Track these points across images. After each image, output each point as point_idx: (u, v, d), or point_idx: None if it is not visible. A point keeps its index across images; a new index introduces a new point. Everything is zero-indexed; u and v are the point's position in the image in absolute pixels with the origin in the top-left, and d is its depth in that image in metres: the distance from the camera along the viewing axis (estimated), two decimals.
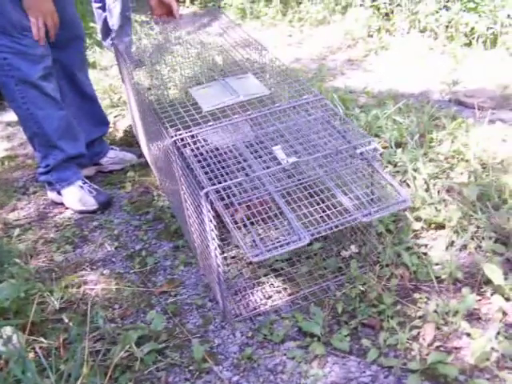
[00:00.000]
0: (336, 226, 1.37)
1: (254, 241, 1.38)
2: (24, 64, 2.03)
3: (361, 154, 1.51)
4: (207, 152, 1.57)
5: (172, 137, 1.55)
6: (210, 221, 1.37)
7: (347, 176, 1.55)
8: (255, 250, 1.28)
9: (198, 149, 1.56)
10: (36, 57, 2.05)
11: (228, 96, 1.69)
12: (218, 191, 1.39)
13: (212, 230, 1.39)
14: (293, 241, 1.32)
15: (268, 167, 1.48)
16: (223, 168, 1.53)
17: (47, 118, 2.16)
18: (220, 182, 1.43)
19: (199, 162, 1.52)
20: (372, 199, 1.47)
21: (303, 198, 1.57)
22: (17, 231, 2.15)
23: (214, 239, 1.40)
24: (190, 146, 1.55)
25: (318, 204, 1.49)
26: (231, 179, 1.44)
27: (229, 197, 1.42)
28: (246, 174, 1.47)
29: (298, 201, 1.58)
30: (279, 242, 1.32)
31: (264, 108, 1.66)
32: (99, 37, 4.36)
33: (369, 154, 1.50)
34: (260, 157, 1.54)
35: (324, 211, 1.44)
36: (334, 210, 1.45)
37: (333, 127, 1.61)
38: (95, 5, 4.10)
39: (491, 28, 3.45)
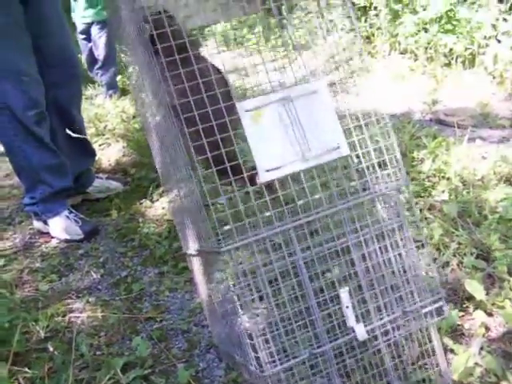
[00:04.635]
0: None
1: None
2: (20, 107, 2.05)
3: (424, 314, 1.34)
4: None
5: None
6: None
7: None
8: None
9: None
10: (31, 101, 2.08)
11: (295, 149, 1.18)
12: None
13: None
14: None
15: (328, 314, 1.36)
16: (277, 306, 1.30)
17: (36, 155, 2.17)
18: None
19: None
20: None
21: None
22: (2, 261, 2.15)
23: None
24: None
25: None
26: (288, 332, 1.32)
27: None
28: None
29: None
30: None
31: (326, 196, 1.20)
32: (84, 66, 4.40)
33: (433, 318, 1.34)
34: (321, 291, 1.33)
35: None
36: None
37: (399, 256, 1.35)
38: (80, 36, 4.16)
39: (469, 48, 3.52)
